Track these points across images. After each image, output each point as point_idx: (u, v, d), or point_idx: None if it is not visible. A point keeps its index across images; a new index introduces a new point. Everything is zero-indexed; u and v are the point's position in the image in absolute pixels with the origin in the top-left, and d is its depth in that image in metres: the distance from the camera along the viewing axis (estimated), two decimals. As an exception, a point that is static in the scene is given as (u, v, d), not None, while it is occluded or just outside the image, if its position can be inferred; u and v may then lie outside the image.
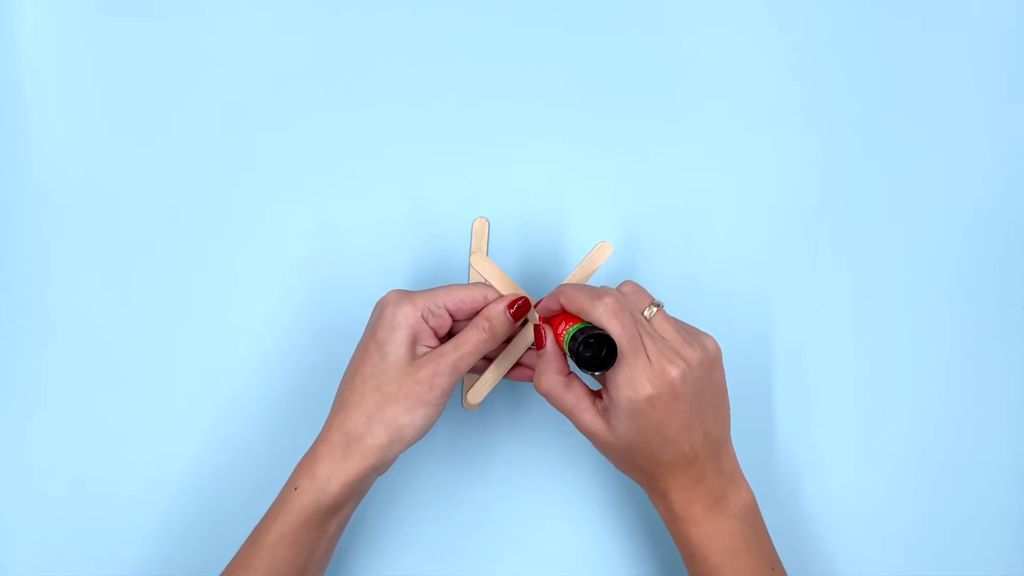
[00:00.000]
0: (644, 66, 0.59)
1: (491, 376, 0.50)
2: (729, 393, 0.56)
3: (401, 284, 0.56)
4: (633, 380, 0.43)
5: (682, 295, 0.57)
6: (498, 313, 0.47)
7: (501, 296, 0.48)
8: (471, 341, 0.47)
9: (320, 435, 0.46)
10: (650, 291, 0.48)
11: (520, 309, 0.48)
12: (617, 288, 0.48)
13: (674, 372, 0.44)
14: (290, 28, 0.58)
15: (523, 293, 0.49)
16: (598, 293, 0.45)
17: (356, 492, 0.46)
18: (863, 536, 0.57)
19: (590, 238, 0.57)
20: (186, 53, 0.57)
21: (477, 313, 0.48)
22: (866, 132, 0.59)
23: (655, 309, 0.46)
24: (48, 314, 0.55)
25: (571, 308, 0.46)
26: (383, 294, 0.48)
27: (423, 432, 0.46)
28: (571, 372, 0.48)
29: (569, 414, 0.47)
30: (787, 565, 0.56)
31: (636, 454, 0.45)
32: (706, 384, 0.46)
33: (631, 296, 0.47)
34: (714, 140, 0.59)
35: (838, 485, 0.57)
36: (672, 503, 0.47)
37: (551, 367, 0.47)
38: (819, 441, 0.57)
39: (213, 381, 0.55)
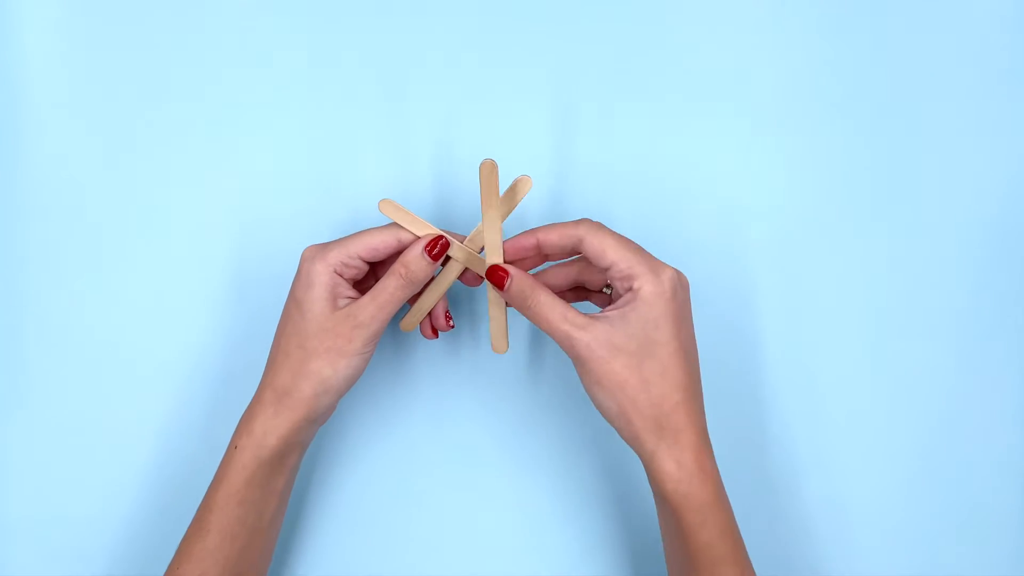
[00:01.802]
0: (645, 54, 0.58)
1: (422, 305, 0.50)
2: (727, 391, 0.56)
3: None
4: (656, 268, 0.45)
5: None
6: (415, 257, 0.47)
7: (417, 238, 0.48)
8: (388, 289, 0.47)
9: (254, 395, 0.48)
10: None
11: (439, 249, 0.48)
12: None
13: (677, 275, 0.46)
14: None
15: (438, 232, 0.49)
16: (573, 221, 0.48)
17: (295, 444, 0.48)
18: (862, 537, 0.57)
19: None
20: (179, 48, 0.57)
21: (393, 255, 0.49)
22: (872, 130, 0.59)
23: None
24: (28, 311, 0.56)
25: (551, 238, 0.47)
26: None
27: (350, 381, 0.48)
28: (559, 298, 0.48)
29: (577, 330, 0.45)
30: (787, 565, 0.56)
31: (650, 364, 0.45)
32: (690, 308, 0.48)
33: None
34: (716, 133, 0.58)
35: (838, 485, 0.57)
36: (685, 449, 0.45)
37: (546, 296, 0.47)
38: (819, 441, 0.57)
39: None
